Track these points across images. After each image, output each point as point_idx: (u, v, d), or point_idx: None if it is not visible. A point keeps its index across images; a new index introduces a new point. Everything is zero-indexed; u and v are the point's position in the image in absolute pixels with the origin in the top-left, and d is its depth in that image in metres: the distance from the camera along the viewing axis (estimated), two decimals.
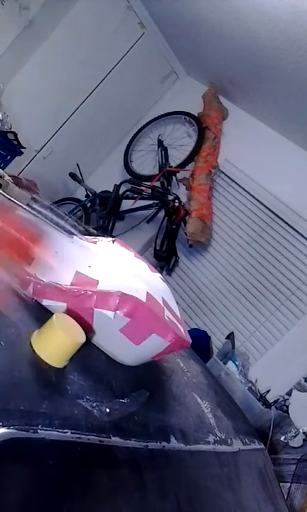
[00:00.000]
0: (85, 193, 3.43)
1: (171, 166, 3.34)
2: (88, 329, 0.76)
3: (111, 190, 3.22)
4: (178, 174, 3.34)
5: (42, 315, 0.72)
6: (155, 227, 3.29)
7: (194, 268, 3.38)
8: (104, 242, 1.01)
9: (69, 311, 0.75)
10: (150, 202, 3.17)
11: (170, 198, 3.13)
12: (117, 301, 0.75)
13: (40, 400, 0.60)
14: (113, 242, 1.02)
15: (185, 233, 3.08)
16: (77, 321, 0.71)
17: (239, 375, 2.75)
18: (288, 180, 3.02)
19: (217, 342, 3.10)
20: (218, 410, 1.16)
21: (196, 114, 3.42)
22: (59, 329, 0.66)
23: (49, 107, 3.21)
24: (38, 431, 0.55)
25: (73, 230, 1.04)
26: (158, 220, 3.25)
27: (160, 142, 3.53)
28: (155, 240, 3.25)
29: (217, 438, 1.01)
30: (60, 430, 0.58)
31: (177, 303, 0.98)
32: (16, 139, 2.80)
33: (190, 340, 0.88)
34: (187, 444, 0.86)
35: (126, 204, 3.24)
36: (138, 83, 3.54)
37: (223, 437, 1.05)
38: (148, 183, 3.18)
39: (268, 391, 2.74)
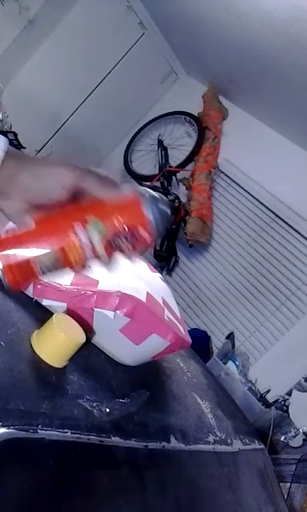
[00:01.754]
0: None
1: (171, 166, 3.34)
2: (88, 329, 0.76)
3: None
4: (178, 174, 3.34)
5: (42, 315, 0.72)
6: None
7: (194, 268, 3.38)
8: None
9: (69, 311, 0.75)
10: None
11: (170, 198, 3.13)
12: (117, 301, 0.75)
13: (40, 400, 0.60)
14: None
15: (185, 233, 3.08)
16: (77, 321, 0.71)
17: (239, 375, 2.75)
18: (288, 180, 3.02)
19: (217, 342, 3.10)
20: (218, 410, 1.16)
21: (196, 114, 3.42)
22: (59, 329, 0.66)
23: (49, 107, 3.21)
24: (38, 431, 0.55)
25: None
26: None
27: (160, 142, 3.53)
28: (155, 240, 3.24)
29: (217, 438, 1.01)
30: (60, 430, 0.58)
31: (177, 303, 0.98)
32: (16, 139, 2.80)
33: (190, 340, 0.88)
34: (187, 444, 0.86)
35: None
36: (138, 83, 3.54)
37: (223, 437, 1.05)
38: (148, 183, 3.18)
39: (268, 391, 2.74)
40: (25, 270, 0.49)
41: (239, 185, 3.28)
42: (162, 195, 0.51)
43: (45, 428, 0.56)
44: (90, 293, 0.75)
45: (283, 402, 2.60)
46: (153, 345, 0.81)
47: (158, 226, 0.48)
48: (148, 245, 0.50)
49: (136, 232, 0.48)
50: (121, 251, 0.48)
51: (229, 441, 1.08)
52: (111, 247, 0.48)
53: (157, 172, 3.35)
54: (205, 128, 3.30)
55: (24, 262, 0.48)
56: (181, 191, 3.32)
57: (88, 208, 0.49)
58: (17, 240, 0.49)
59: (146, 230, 0.48)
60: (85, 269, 0.51)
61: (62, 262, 0.48)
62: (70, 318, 0.71)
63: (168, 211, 0.50)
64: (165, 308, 0.86)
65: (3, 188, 0.47)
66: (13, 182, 0.46)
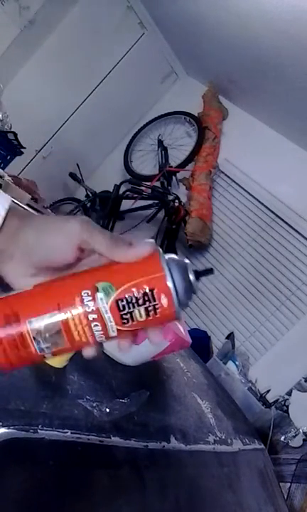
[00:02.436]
0: (85, 193, 3.43)
1: (171, 166, 3.34)
2: None
3: (111, 190, 3.22)
4: (178, 174, 3.34)
5: None
6: (155, 227, 3.29)
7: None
8: None
9: None
10: (150, 202, 3.16)
11: (170, 198, 3.13)
12: None
13: (40, 399, 0.60)
14: None
15: (185, 233, 3.07)
16: None
17: (239, 375, 2.75)
18: (288, 181, 3.02)
19: (217, 342, 3.10)
20: (218, 410, 1.16)
21: (196, 114, 3.42)
22: None
23: (49, 107, 3.21)
24: (38, 431, 0.55)
25: None
26: (158, 220, 3.25)
27: (160, 142, 3.53)
28: (155, 240, 3.24)
29: (217, 438, 1.01)
30: (60, 430, 0.58)
31: None
32: (16, 139, 2.80)
33: (190, 340, 0.88)
34: (187, 444, 0.86)
35: (126, 204, 3.23)
36: (138, 83, 3.54)
37: (223, 437, 1.05)
38: (148, 183, 3.18)
39: (268, 391, 2.74)
40: (20, 347, 0.39)
41: (239, 185, 3.28)
42: (188, 261, 0.42)
43: (45, 428, 0.56)
44: None
45: (283, 402, 2.60)
46: (153, 345, 0.81)
47: (180, 295, 0.39)
48: (168, 314, 0.39)
49: (152, 297, 0.39)
50: (135, 320, 0.39)
51: (229, 441, 1.08)
52: (122, 316, 0.38)
53: (157, 172, 3.34)
54: (205, 128, 3.30)
55: (18, 337, 0.38)
56: (181, 191, 3.32)
57: (97, 270, 0.41)
58: (7, 306, 0.39)
59: (165, 294, 0.39)
60: (94, 353, 0.41)
61: (64, 337, 0.39)
62: None
63: (193, 278, 0.41)
64: None
65: (5, 248, 0.41)
66: (15, 239, 0.41)
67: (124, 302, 0.38)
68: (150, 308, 0.39)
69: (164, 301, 0.39)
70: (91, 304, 0.38)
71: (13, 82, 2.96)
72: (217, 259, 3.30)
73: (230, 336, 3.02)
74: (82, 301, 0.38)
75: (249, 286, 3.12)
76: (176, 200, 3.12)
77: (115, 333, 0.39)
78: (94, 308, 0.38)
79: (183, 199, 3.23)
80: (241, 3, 2.34)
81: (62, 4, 2.91)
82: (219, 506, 0.90)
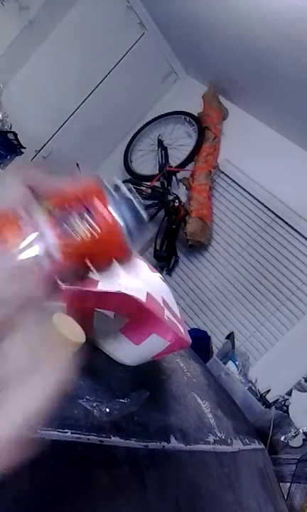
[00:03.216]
0: None
1: (171, 166, 3.34)
2: (88, 329, 0.76)
3: None
4: (178, 174, 3.34)
5: None
6: (155, 227, 3.29)
7: (194, 268, 3.38)
8: None
9: (69, 311, 0.75)
10: (150, 202, 3.17)
11: (170, 198, 3.13)
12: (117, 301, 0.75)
13: None
14: None
15: (185, 233, 3.08)
16: (77, 321, 0.71)
17: (239, 375, 2.75)
18: (288, 180, 3.03)
19: (217, 342, 3.10)
20: (218, 410, 1.16)
21: (196, 114, 3.42)
22: (59, 329, 0.66)
23: (49, 107, 3.21)
24: (38, 431, 0.55)
25: None
26: (158, 220, 3.25)
27: (160, 142, 3.53)
28: (155, 240, 3.25)
29: (217, 438, 1.01)
30: (60, 430, 0.58)
31: (177, 303, 0.98)
32: (16, 139, 2.80)
33: (190, 340, 0.88)
34: (187, 444, 0.86)
35: None
36: (138, 83, 3.54)
37: (223, 437, 1.05)
38: (148, 183, 3.18)
39: (268, 391, 2.74)
40: None
41: (239, 185, 3.28)
42: (136, 195, 0.41)
43: (45, 428, 0.56)
44: (90, 293, 0.75)
45: (283, 402, 2.60)
46: (153, 345, 0.81)
47: (129, 226, 0.38)
48: (110, 229, 0.37)
49: (91, 206, 0.37)
50: (76, 233, 0.37)
51: (229, 441, 1.08)
52: (61, 225, 0.36)
53: (157, 172, 3.35)
54: (205, 128, 3.30)
55: None
56: (181, 191, 3.32)
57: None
58: None
59: (102, 200, 0.37)
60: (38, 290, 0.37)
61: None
62: (70, 318, 0.71)
63: (143, 213, 0.40)
64: (165, 308, 0.86)
65: None
66: None
67: (61, 211, 0.37)
68: (89, 215, 0.37)
69: (102, 209, 0.37)
70: (25, 215, 0.36)
71: (13, 82, 2.97)
72: (217, 259, 3.30)
73: (230, 336, 3.02)
74: (15, 213, 0.36)
75: (249, 286, 3.13)
76: (176, 200, 3.12)
77: (55, 251, 0.36)
78: (30, 219, 0.36)
79: (183, 199, 3.23)
80: (241, 4, 2.34)
81: (62, 4, 2.91)
82: (219, 506, 0.90)
